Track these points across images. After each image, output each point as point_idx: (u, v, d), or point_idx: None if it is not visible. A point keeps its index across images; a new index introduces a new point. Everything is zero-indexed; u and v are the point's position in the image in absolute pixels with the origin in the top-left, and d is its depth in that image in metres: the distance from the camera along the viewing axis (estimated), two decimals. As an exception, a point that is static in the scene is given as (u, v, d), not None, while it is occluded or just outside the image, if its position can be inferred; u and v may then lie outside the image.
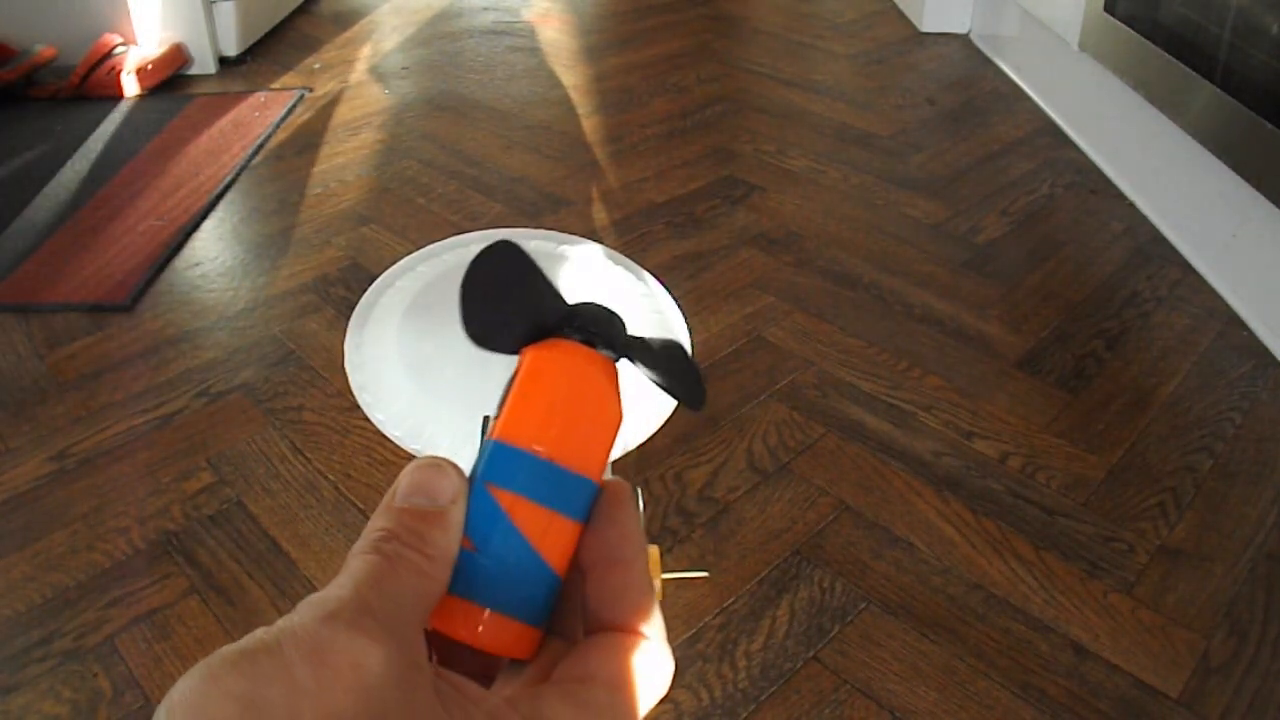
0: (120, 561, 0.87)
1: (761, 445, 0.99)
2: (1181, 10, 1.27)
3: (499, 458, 0.22)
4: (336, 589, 0.20)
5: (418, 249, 0.72)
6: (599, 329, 0.23)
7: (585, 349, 0.23)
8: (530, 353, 0.23)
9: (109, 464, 0.98)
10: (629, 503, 0.24)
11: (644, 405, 0.82)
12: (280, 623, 0.19)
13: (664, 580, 0.75)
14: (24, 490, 0.95)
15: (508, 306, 0.23)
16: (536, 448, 0.22)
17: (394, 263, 0.74)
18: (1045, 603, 0.82)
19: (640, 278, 0.77)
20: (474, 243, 0.74)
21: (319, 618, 0.19)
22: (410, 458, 0.88)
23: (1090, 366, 1.10)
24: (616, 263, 0.75)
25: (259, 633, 0.19)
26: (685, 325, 0.79)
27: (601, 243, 0.76)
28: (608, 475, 0.26)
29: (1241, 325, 1.18)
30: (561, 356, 0.23)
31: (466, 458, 0.59)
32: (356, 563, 0.21)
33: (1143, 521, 0.90)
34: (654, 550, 0.73)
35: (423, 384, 0.82)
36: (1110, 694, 0.75)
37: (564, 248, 0.75)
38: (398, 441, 0.80)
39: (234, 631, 0.80)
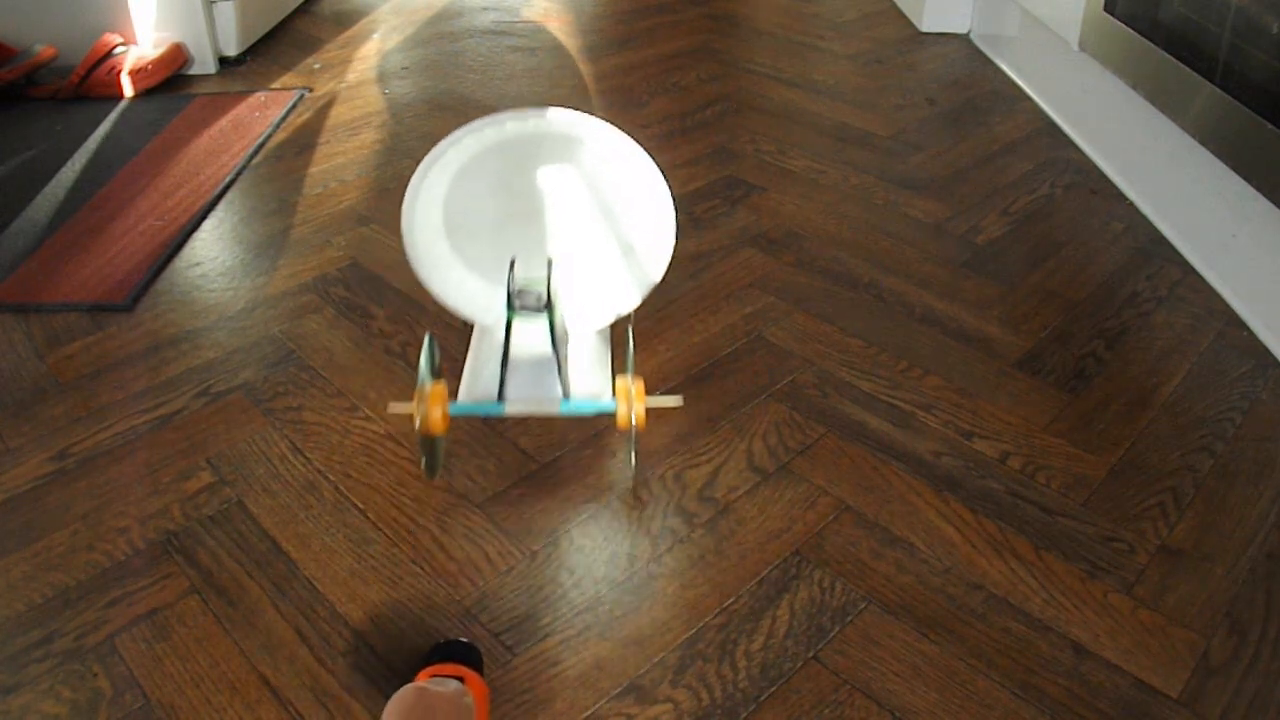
0: (120, 561, 0.87)
1: (761, 445, 0.99)
2: (1181, 10, 1.27)
3: None
4: None
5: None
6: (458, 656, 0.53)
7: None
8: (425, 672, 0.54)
9: (109, 464, 0.98)
10: None
11: (628, 280, 0.97)
12: None
13: (646, 409, 0.93)
14: (24, 490, 0.95)
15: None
16: None
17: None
18: (1045, 603, 0.82)
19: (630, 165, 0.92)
20: (509, 120, 0.88)
21: None
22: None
23: (1090, 366, 1.10)
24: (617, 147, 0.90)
25: None
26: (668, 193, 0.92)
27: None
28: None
29: (1241, 325, 1.18)
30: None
31: (498, 305, 0.84)
32: None
33: (1143, 521, 0.90)
34: (639, 381, 0.90)
35: (462, 250, 0.99)
36: (1110, 694, 0.75)
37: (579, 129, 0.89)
38: (452, 309, 0.99)
39: (234, 631, 0.80)
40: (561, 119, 0.90)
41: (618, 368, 1.03)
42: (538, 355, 0.94)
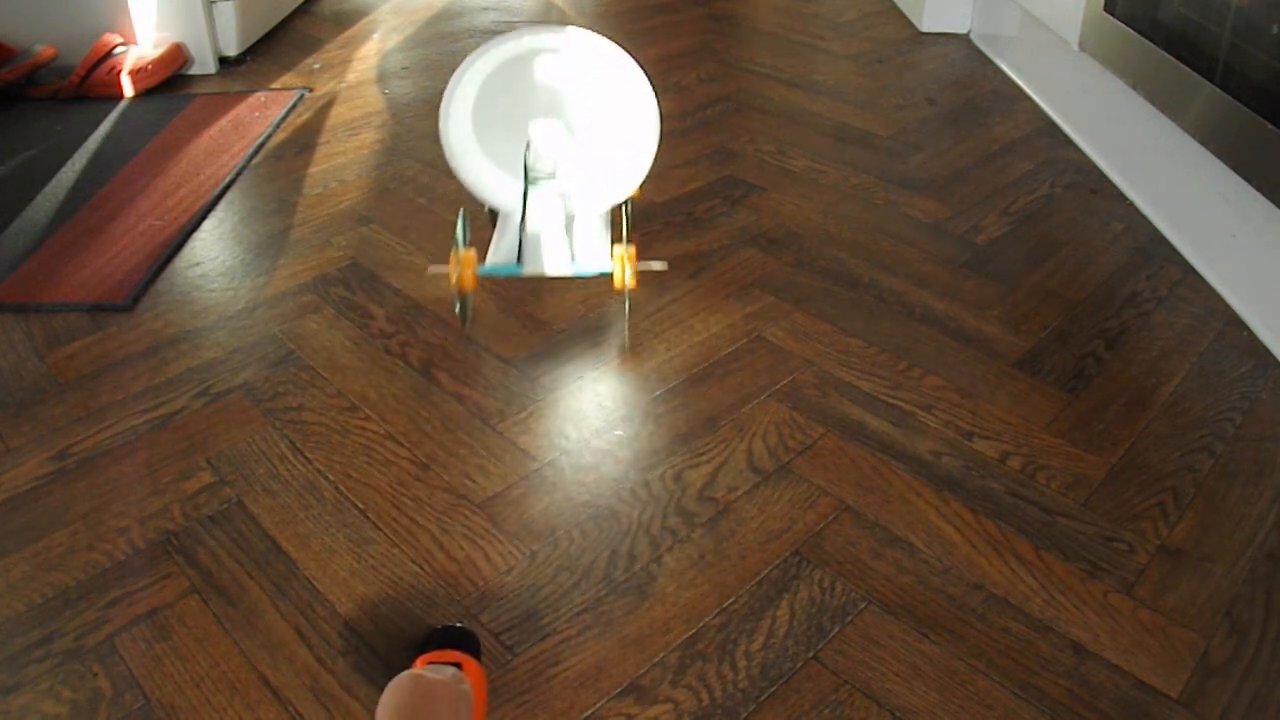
0: (120, 561, 0.87)
1: (761, 445, 0.99)
2: (1181, 10, 1.27)
3: None
4: None
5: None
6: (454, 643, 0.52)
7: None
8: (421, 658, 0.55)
9: (109, 464, 0.98)
10: None
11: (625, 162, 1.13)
12: None
13: (638, 273, 1.17)
14: (24, 490, 0.95)
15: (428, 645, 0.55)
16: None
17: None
18: (1045, 603, 0.82)
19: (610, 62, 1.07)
20: (525, 35, 1.06)
21: None
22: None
23: (1090, 366, 1.10)
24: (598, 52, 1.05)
25: None
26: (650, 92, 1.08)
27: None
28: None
29: (1241, 325, 1.18)
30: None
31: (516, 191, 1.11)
32: None
33: (1143, 521, 0.90)
34: (631, 248, 1.09)
35: (487, 147, 1.16)
36: (1110, 694, 0.75)
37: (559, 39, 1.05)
38: (480, 197, 1.16)
39: (234, 631, 0.80)
40: (567, 35, 1.07)
41: (616, 239, 1.22)
42: (551, 228, 1.11)
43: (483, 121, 1.13)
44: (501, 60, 1.09)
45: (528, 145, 1.10)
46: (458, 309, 1.17)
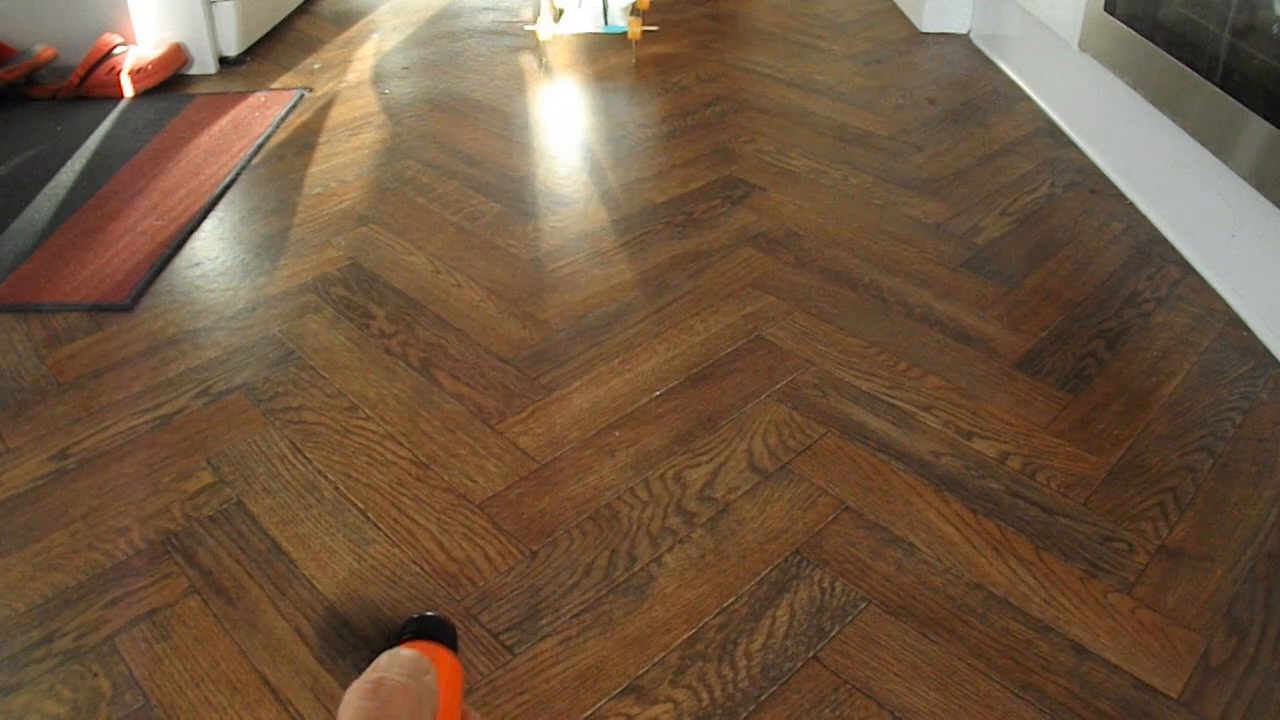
0: (120, 561, 0.87)
1: (761, 445, 0.99)
2: (1181, 10, 1.27)
3: None
4: None
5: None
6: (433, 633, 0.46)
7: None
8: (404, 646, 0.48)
9: (109, 464, 0.98)
10: None
11: None
12: None
13: (641, 34, 1.93)
14: (24, 490, 0.95)
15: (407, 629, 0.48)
16: None
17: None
18: (1045, 603, 0.82)
19: None
20: None
21: None
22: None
23: (1090, 366, 1.10)
24: None
25: None
26: None
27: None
28: None
29: (1241, 325, 1.18)
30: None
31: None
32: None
33: (1143, 521, 0.90)
34: (639, 18, 1.93)
35: None
36: (1110, 694, 0.75)
37: None
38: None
39: (234, 631, 0.80)
40: None
41: (632, 13, 1.95)
42: (591, 9, 1.93)
43: None
44: None
45: None
46: (539, 56, 1.99)
